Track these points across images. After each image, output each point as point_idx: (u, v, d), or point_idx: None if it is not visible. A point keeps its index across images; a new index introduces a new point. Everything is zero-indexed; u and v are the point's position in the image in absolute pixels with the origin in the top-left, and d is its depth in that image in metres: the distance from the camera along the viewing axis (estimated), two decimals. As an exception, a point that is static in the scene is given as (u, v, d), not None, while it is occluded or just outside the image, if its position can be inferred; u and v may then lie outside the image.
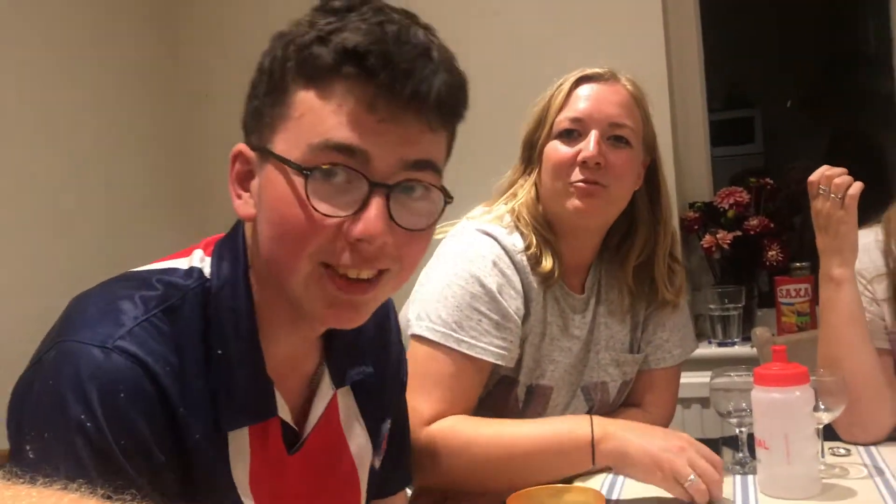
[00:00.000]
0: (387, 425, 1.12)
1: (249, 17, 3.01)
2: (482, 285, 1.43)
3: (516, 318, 1.46)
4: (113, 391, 0.81)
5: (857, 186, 1.52)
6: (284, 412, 0.96)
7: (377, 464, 1.12)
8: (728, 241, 2.69)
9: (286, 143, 0.86)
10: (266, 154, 0.87)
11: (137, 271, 0.94)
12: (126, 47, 2.82)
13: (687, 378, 2.57)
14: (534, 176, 1.53)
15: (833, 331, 1.56)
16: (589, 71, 1.52)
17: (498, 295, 1.44)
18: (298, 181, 0.84)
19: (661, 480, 1.29)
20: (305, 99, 0.85)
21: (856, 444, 1.55)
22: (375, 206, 0.84)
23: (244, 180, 0.92)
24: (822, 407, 1.38)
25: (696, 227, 2.77)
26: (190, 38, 3.05)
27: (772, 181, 2.80)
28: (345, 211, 0.84)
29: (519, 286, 1.47)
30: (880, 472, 1.41)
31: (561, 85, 1.52)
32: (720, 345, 2.70)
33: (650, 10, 2.71)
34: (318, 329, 0.98)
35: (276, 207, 0.86)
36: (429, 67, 0.84)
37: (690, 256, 2.85)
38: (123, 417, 0.81)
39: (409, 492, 1.31)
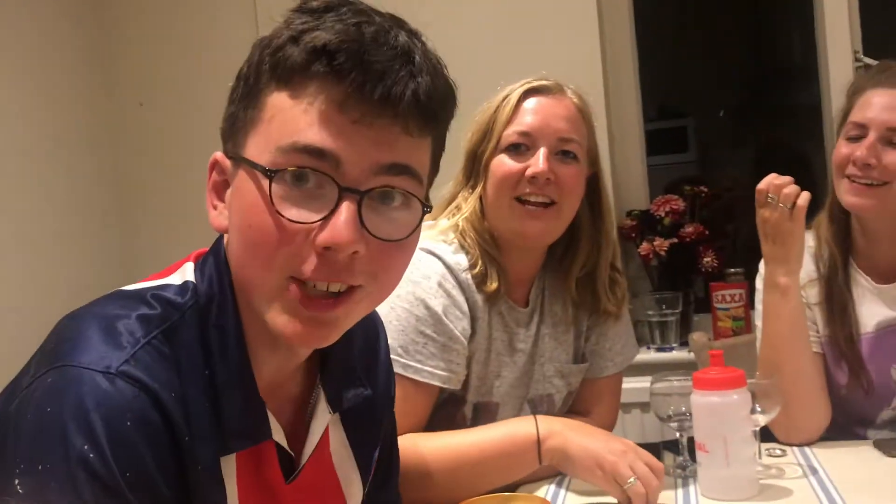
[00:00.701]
0: (376, 454, 1.07)
1: (185, 25, 2.97)
2: (427, 308, 1.42)
3: (462, 339, 1.45)
4: (119, 420, 0.75)
5: (805, 197, 1.53)
6: (279, 436, 0.91)
7: (362, 494, 1.07)
8: (665, 249, 2.74)
9: (256, 148, 0.82)
10: (238, 160, 0.84)
11: (130, 289, 0.88)
12: (57, 57, 2.76)
13: (627, 383, 2.59)
14: (478, 189, 1.51)
15: (775, 337, 1.59)
16: (536, 83, 1.50)
17: (444, 317, 1.42)
18: (265, 184, 0.80)
19: (602, 480, 1.30)
20: (277, 101, 0.82)
21: (791, 444, 1.58)
22: (345, 212, 0.79)
23: (220, 190, 0.88)
24: (759, 409, 1.41)
25: (633, 234, 2.81)
26: (124, 46, 3.00)
27: (706, 189, 2.85)
28: (313, 216, 0.79)
29: (465, 306, 1.45)
30: (814, 472, 1.44)
31: (508, 97, 1.49)
32: (659, 350, 2.74)
33: (586, 21, 2.75)
34: (295, 349, 0.91)
35: (243, 214, 0.82)
36: (406, 70, 0.80)
37: (629, 263, 2.89)
38: (131, 449, 0.76)
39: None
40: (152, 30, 2.99)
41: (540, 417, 1.39)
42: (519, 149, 1.46)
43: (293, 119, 0.80)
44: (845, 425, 1.63)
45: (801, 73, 3.37)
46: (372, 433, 1.06)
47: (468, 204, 1.51)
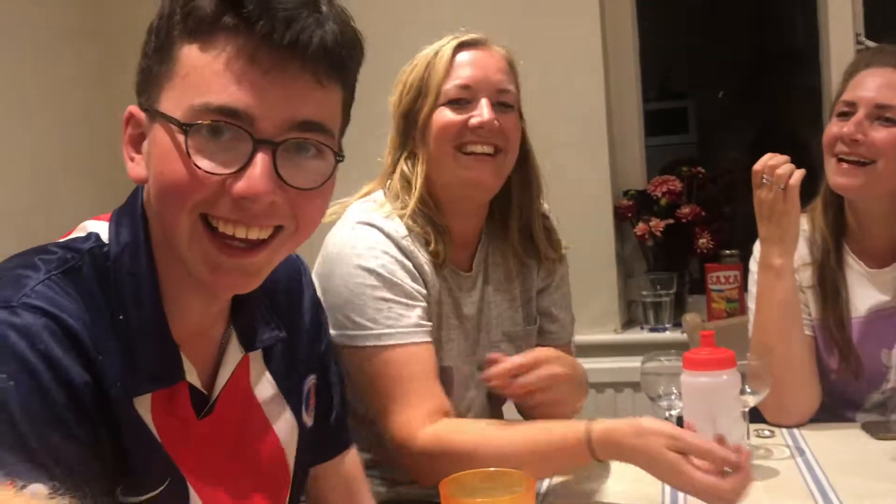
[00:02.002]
0: (310, 380, 1.10)
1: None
2: (377, 274, 1.40)
3: (419, 296, 1.43)
4: (30, 344, 0.79)
5: (798, 175, 1.53)
6: (193, 377, 0.95)
7: (309, 420, 1.10)
8: (660, 229, 2.74)
9: (171, 102, 0.85)
10: (153, 114, 0.86)
11: (32, 248, 0.91)
12: (49, 19, 2.74)
13: (619, 363, 2.65)
14: (416, 149, 1.49)
15: (768, 319, 1.60)
16: (465, 37, 1.49)
17: (394, 278, 1.41)
18: (181, 138, 0.83)
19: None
20: (189, 55, 0.84)
21: (780, 426, 1.59)
22: (260, 164, 0.83)
23: (136, 143, 0.91)
24: (749, 390, 1.41)
25: (629, 214, 2.81)
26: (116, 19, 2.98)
27: (703, 170, 2.85)
28: (228, 168, 0.83)
29: (412, 269, 1.44)
30: (801, 453, 1.46)
31: (438, 53, 1.47)
32: (652, 330, 2.75)
33: (587, 0, 2.73)
34: (218, 295, 0.95)
35: (160, 165, 0.85)
36: (313, 17, 0.83)
37: (624, 243, 2.90)
38: (54, 365, 0.79)
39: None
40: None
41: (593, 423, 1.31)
42: (460, 102, 1.45)
43: (206, 77, 0.83)
44: (834, 408, 1.64)
45: (803, 55, 3.36)
46: (297, 366, 1.09)
47: (404, 165, 1.49)
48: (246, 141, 0.83)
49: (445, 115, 1.45)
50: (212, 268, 0.87)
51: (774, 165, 1.54)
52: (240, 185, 0.83)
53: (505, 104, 1.47)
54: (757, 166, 1.56)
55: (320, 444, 1.16)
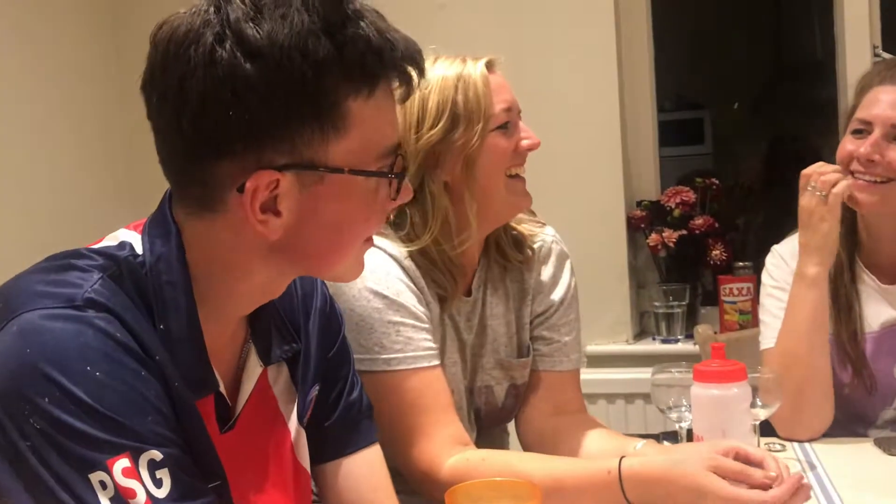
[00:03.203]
0: (313, 391, 1.12)
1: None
2: (383, 296, 1.37)
3: (426, 318, 1.41)
4: (106, 336, 0.82)
5: (843, 185, 1.53)
6: (223, 388, 0.97)
7: (303, 428, 1.12)
8: (673, 240, 2.73)
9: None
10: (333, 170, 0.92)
11: (61, 252, 0.93)
12: (66, 45, 2.76)
13: (631, 374, 2.64)
14: (450, 181, 1.41)
15: (797, 328, 1.58)
16: (488, 57, 1.44)
17: (400, 300, 1.38)
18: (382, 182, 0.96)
19: None
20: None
21: (792, 440, 1.58)
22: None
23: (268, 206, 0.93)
24: (760, 403, 1.41)
25: (642, 225, 2.80)
26: (132, 34, 3.00)
27: (717, 181, 2.84)
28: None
29: (417, 291, 1.42)
30: (813, 468, 1.45)
31: (474, 77, 1.40)
32: (664, 341, 2.74)
33: (602, 10, 2.73)
34: (243, 311, 0.99)
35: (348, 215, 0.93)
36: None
37: (637, 254, 2.89)
38: (116, 373, 0.82)
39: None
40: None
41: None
42: (507, 126, 1.42)
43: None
44: (846, 423, 1.63)
45: (819, 67, 3.35)
46: (308, 375, 1.11)
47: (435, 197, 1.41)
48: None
49: (499, 140, 1.41)
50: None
51: (822, 172, 1.54)
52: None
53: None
54: (807, 170, 1.56)
55: (337, 442, 1.16)
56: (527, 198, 1.47)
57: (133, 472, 0.80)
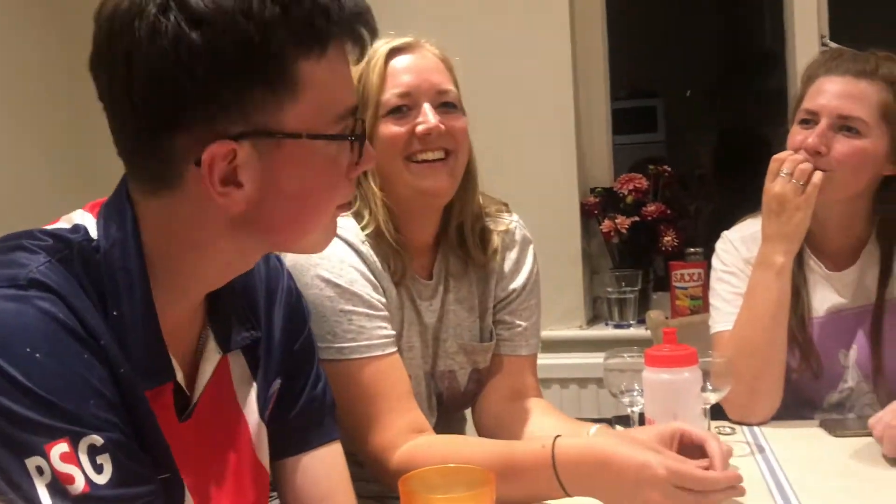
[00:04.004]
0: (275, 385, 1.10)
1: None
2: (336, 285, 1.36)
3: (381, 305, 1.40)
4: (50, 318, 0.80)
5: (820, 175, 1.54)
6: (180, 376, 0.95)
7: (265, 421, 1.10)
8: (626, 227, 2.76)
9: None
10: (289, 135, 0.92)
11: (13, 233, 0.90)
12: (12, 27, 2.69)
13: (584, 359, 2.66)
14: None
15: (758, 316, 1.59)
16: (396, 42, 1.44)
17: (354, 289, 1.37)
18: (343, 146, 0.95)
19: None
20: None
21: (743, 424, 1.61)
22: None
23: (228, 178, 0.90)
24: (710, 387, 1.42)
25: (595, 211, 2.82)
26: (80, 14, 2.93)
27: (669, 169, 2.88)
28: None
29: (371, 277, 1.40)
30: (761, 450, 1.47)
31: (371, 61, 1.42)
32: (617, 327, 2.77)
33: (557, -3, 2.74)
34: (203, 291, 0.96)
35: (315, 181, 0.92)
36: None
37: (590, 241, 2.91)
38: (59, 357, 0.80)
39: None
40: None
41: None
42: (402, 111, 1.41)
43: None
44: (793, 407, 1.65)
45: (770, 57, 3.40)
46: (272, 366, 1.09)
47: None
48: None
49: (389, 127, 1.41)
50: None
51: (798, 160, 1.55)
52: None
53: (448, 104, 1.43)
54: (780, 155, 1.57)
55: (299, 437, 1.14)
56: (435, 181, 1.42)
57: (72, 458, 0.77)
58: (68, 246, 0.87)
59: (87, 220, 0.91)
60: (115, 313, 0.86)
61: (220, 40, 0.81)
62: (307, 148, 0.88)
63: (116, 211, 0.90)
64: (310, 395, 1.15)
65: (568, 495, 1.20)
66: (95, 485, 0.78)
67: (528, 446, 1.27)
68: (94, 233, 0.90)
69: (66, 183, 2.75)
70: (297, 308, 1.15)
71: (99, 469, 0.79)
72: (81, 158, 2.75)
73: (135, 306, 0.88)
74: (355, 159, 0.93)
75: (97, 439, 0.79)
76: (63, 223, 0.92)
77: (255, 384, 1.06)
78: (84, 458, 0.78)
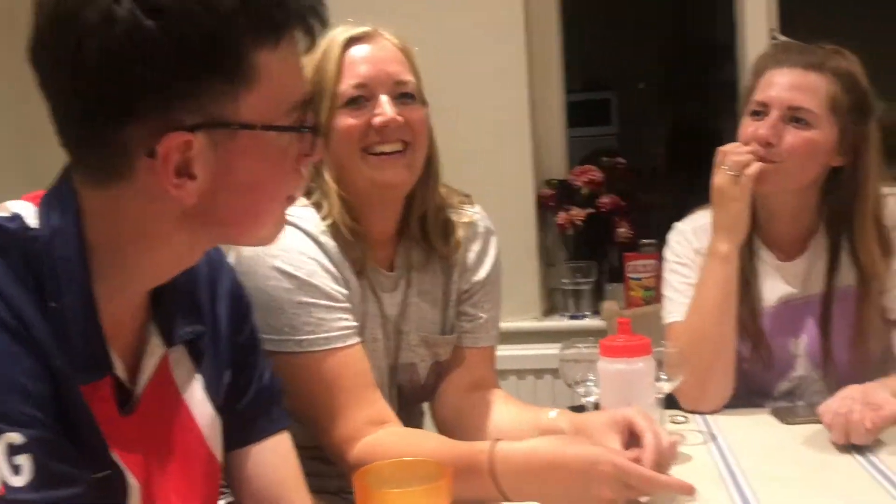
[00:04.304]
0: (226, 377, 1.08)
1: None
2: (294, 277, 1.34)
3: (341, 297, 1.38)
4: None
5: (756, 167, 1.57)
6: (120, 370, 0.93)
7: (221, 413, 1.08)
8: (581, 218, 2.78)
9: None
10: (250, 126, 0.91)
11: None
12: None
13: (540, 349, 2.68)
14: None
15: (707, 304, 1.62)
16: (354, 31, 1.42)
17: (313, 281, 1.35)
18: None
19: None
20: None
21: (695, 413, 1.62)
22: None
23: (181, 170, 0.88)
24: (664, 377, 1.44)
25: (551, 203, 2.84)
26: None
27: (623, 161, 2.90)
28: None
29: (332, 268, 1.39)
30: (714, 438, 1.49)
31: (327, 52, 1.39)
32: (572, 318, 2.79)
33: (511, -11, 2.74)
34: (148, 285, 0.94)
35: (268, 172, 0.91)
36: None
37: (546, 232, 2.92)
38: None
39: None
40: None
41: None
42: (358, 102, 1.39)
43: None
44: (745, 396, 1.68)
45: (721, 50, 3.44)
46: (220, 359, 1.07)
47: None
48: None
49: (346, 118, 1.38)
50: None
51: (732, 151, 1.58)
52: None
53: (406, 95, 1.41)
54: (725, 147, 1.60)
55: (248, 428, 1.13)
56: (393, 174, 1.40)
57: None
58: (4, 234, 0.85)
59: (26, 209, 0.89)
60: (53, 305, 0.84)
61: (177, 30, 0.79)
62: (260, 139, 0.86)
63: (58, 201, 0.88)
64: (258, 385, 1.14)
65: (508, 499, 1.19)
66: (10, 487, 0.75)
67: (475, 448, 1.26)
68: (33, 222, 0.87)
69: (2, 175, 2.69)
70: (240, 299, 1.13)
71: (16, 470, 0.75)
72: (20, 148, 2.69)
73: (74, 298, 0.85)
74: (305, 151, 0.92)
75: (16, 437, 0.76)
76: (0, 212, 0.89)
77: (200, 377, 1.04)
78: (0, 458, 0.75)
